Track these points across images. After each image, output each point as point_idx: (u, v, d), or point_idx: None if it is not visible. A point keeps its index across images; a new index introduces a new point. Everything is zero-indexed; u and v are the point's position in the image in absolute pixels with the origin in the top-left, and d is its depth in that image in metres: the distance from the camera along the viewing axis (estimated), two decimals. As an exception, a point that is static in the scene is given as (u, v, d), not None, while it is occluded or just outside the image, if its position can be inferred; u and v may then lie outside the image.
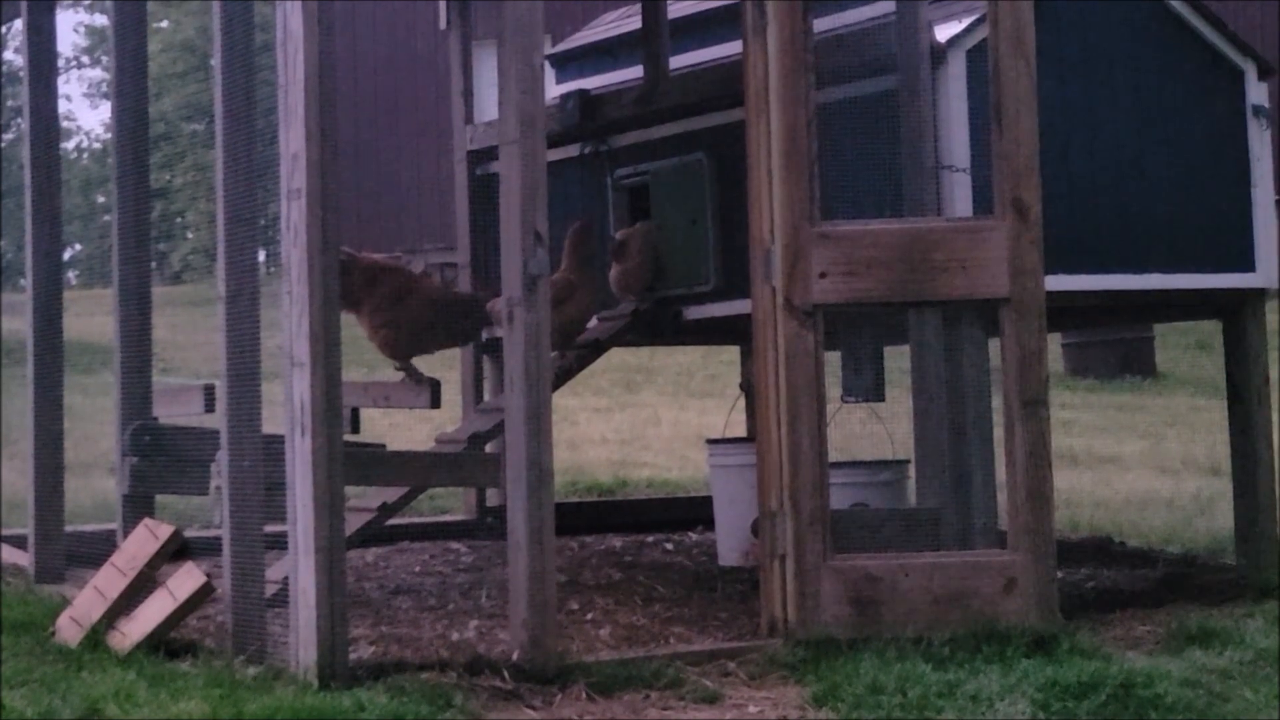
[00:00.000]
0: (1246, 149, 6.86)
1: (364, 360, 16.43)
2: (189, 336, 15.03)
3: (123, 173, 6.89)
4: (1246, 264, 6.84)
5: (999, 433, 5.95)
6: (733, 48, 6.83)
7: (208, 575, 5.70)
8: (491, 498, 8.27)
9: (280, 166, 5.42)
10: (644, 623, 6.17)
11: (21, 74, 7.56)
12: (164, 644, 5.63)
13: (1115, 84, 6.64)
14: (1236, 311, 6.93)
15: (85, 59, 47.14)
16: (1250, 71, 6.89)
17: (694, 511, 8.57)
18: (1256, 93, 6.89)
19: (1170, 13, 6.77)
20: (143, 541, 5.89)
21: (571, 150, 7.91)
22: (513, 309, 5.42)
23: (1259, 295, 6.91)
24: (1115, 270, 6.58)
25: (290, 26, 5.36)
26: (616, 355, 9.98)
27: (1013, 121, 5.81)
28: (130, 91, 6.93)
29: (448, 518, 8.63)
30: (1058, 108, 6.35)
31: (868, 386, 6.89)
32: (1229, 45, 6.86)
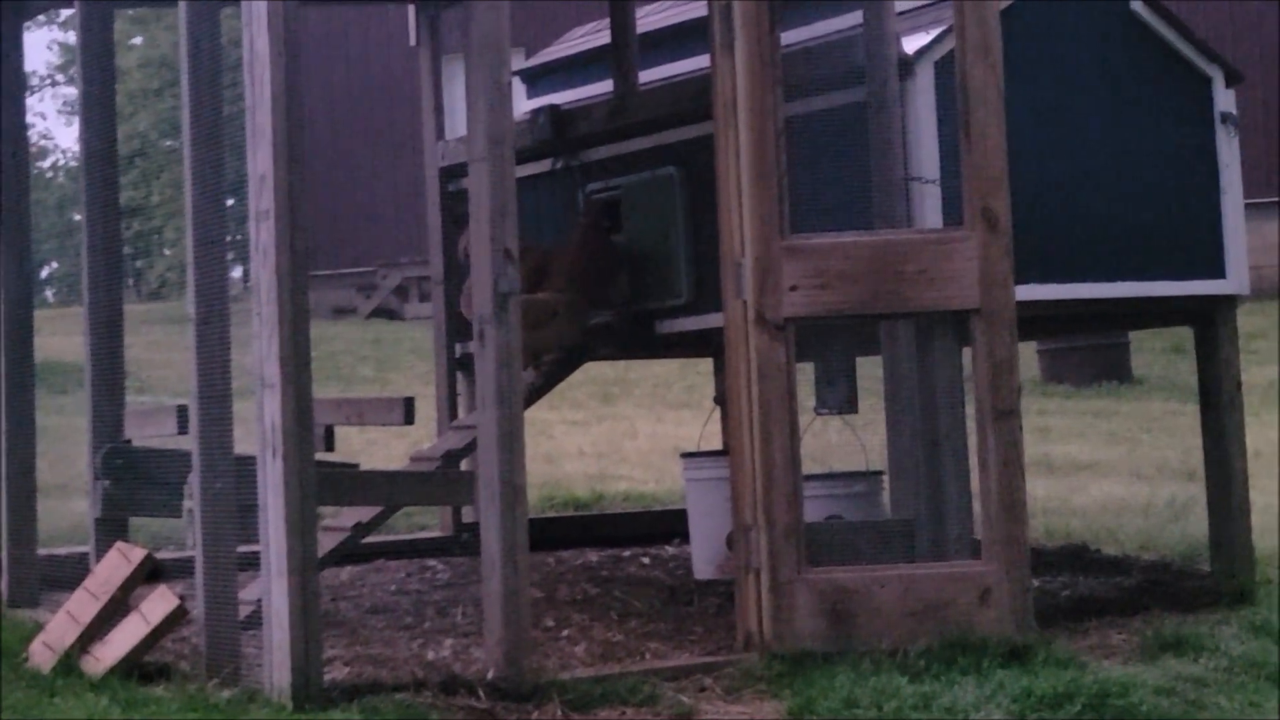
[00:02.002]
0: (1215, 156, 6.86)
1: (340, 376, 16.44)
2: (166, 355, 14.99)
3: (91, 194, 6.87)
4: (1217, 271, 6.84)
5: (973, 442, 5.95)
6: (702, 61, 6.82)
7: (181, 598, 5.69)
8: (468, 514, 8.25)
9: (249, 187, 5.41)
10: (620, 638, 6.16)
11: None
12: (138, 668, 5.61)
13: (1084, 93, 6.64)
14: (1208, 318, 6.94)
15: (60, 77, 47.08)
16: (1218, 79, 6.90)
17: (670, 525, 8.56)
18: (1224, 100, 6.90)
19: (1137, 20, 6.78)
20: (115, 565, 5.87)
21: (543, 165, 7.90)
22: (483, 327, 5.41)
23: (1230, 302, 6.92)
24: (1086, 279, 6.58)
25: (257, 48, 5.36)
26: (593, 367, 9.96)
27: (981, 132, 5.83)
28: (97, 111, 6.91)
29: (424, 535, 8.61)
30: (1026, 118, 6.36)
31: (841, 398, 6.89)
32: (1196, 53, 6.88)
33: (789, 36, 6.35)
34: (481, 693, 5.25)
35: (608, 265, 7.33)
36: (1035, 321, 6.88)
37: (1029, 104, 6.41)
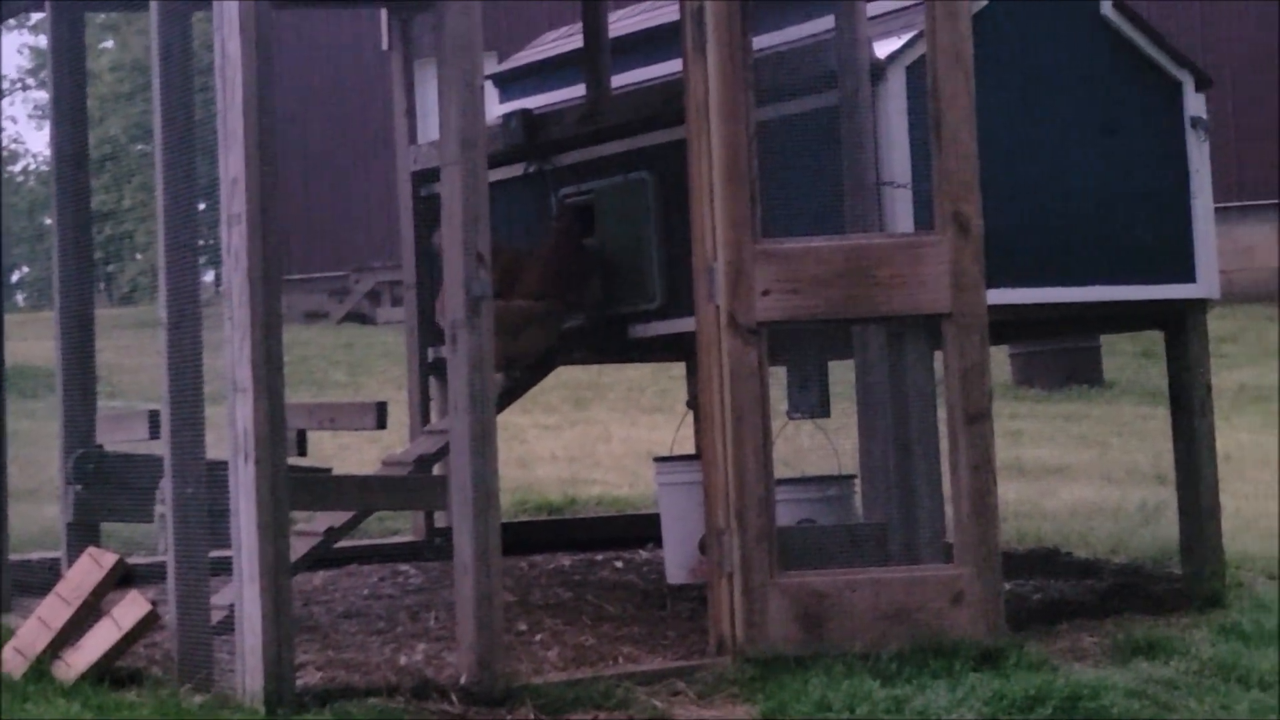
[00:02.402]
0: (1185, 160, 6.90)
1: (313, 380, 16.41)
2: (138, 359, 14.95)
3: (62, 198, 6.86)
4: (1187, 275, 6.87)
5: (945, 445, 5.97)
6: (675, 65, 6.84)
7: (153, 603, 5.67)
8: (441, 518, 8.24)
9: (220, 191, 5.40)
10: (593, 642, 6.16)
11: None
12: (109, 673, 5.59)
13: (1055, 98, 6.67)
14: (1178, 322, 6.97)
15: (31, 80, 46.94)
16: (1188, 83, 6.93)
17: (644, 529, 8.56)
18: (1194, 104, 6.94)
19: (1108, 25, 6.81)
20: (87, 571, 5.85)
21: (516, 169, 7.90)
22: (456, 331, 5.41)
23: (1200, 305, 6.95)
24: (1057, 283, 6.60)
25: (228, 51, 5.35)
26: (566, 372, 9.98)
27: (952, 137, 5.85)
28: (68, 116, 6.90)
29: (396, 539, 8.60)
30: (998, 122, 6.38)
31: (813, 403, 6.90)
32: (1166, 58, 6.91)
33: (761, 41, 6.37)
34: (454, 697, 5.24)
35: (580, 270, 7.33)
36: (1006, 325, 6.90)
37: (1000, 108, 6.43)
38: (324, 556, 6.91)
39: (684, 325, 6.64)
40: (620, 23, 8.20)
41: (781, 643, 5.66)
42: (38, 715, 5.17)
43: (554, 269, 7.27)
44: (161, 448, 5.81)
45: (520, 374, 7.26)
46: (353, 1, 16.84)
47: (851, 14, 6.28)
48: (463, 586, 5.37)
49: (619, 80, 7.76)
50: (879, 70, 6.28)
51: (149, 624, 5.64)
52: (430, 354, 8.26)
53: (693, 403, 8.34)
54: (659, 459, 8.05)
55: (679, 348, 7.68)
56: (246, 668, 5.22)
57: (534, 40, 9.34)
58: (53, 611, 5.84)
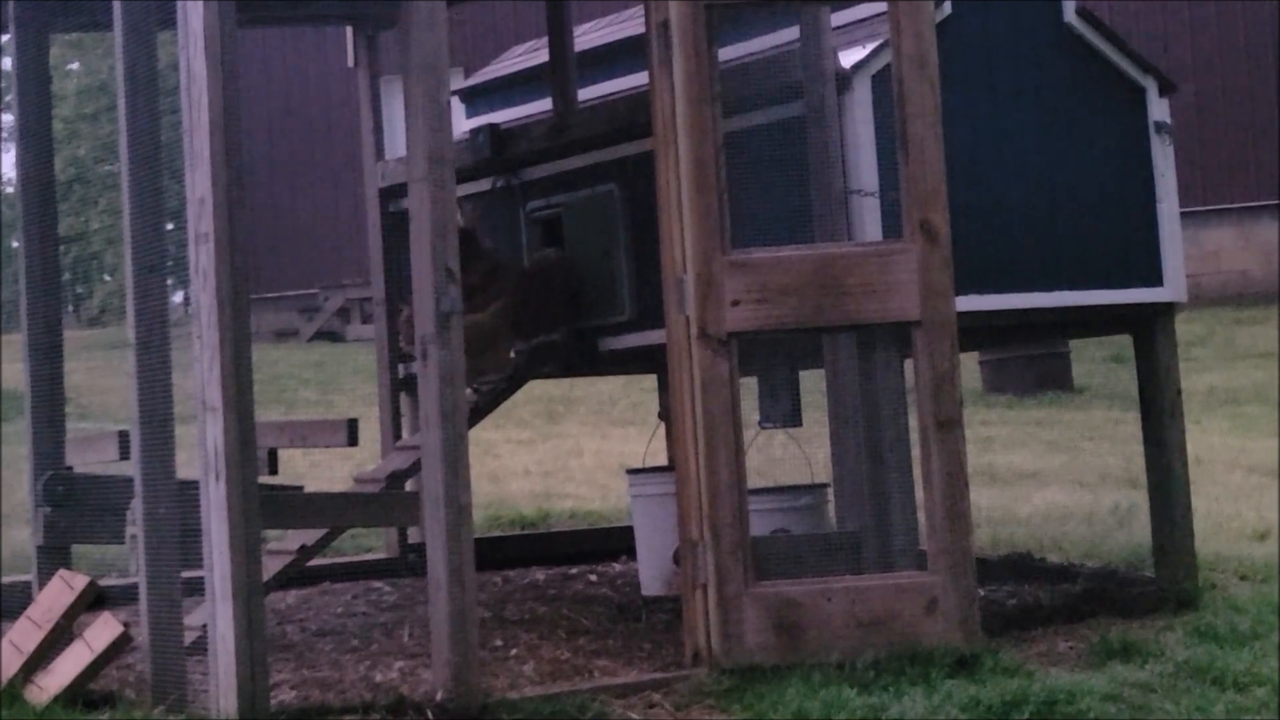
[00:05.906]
0: (1151, 165, 6.93)
1: (283, 399, 16.36)
2: (108, 380, 14.89)
3: (28, 220, 6.83)
4: (1154, 279, 6.90)
5: (917, 453, 5.98)
6: (642, 78, 6.84)
7: (125, 625, 5.64)
8: (413, 535, 8.22)
9: (188, 211, 5.39)
10: (568, 656, 6.16)
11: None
12: (82, 696, 5.56)
13: (1020, 105, 6.70)
14: (1146, 326, 7.00)
15: (-5, 103, 46.67)
16: (1151, 89, 6.97)
17: (617, 542, 8.56)
18: (1158, 109, 6.97)
19: (1073, 33, 6.84)
20: (58, 593, 5.82)
21: (484, 184, 7.90)
22: (426, 346, 5.40)
23: (1168, 309, 6.98)
24: (1025, 289, 6.63)
25: (194, 70, 5.34)
26: (537, 386, 9.94)
27: (919, 145, 5.86)
28: (34, 138, 6.87)
29: (369, 556, 8.57)
30: (964, 130, 6.40)
31: (785, 412, 6.90)
32: (1130, 63, 6.94)
33: (727, 53, 6.38)
34: (430, 714, 5.23)
35: (538, 318, 7.27)
36: (976, 332, 6.92)
37: (966, 116, 6.45)
38: (297, 575, 6.88)
39: (654, 337, 6.64)
40: (586, 36, 8.20)
41: (757, 652, 5.66)
42: (11, 740, 5.14)
43: (516, 304, 7.21)
44: (132, 468, 5.79)
45: (490, 386, 7.23)
46: (317, 20, 16.83)
47: (816, 24, 6.30)
48: (437, 602, 5.36)
49: (586, 94, 7.77)
50: (844, 79, 6.30)
51: (121, 646, 5.61)
52: (401, 370, 8.25)
53: (665, 414, 8.34)
54: (631, 471, 8.04)
55: (650, 360, 7.67)
56: (220, 688, 5.20)
57: (500, 55, 9.33)
58: (24, 635, 5.81)
